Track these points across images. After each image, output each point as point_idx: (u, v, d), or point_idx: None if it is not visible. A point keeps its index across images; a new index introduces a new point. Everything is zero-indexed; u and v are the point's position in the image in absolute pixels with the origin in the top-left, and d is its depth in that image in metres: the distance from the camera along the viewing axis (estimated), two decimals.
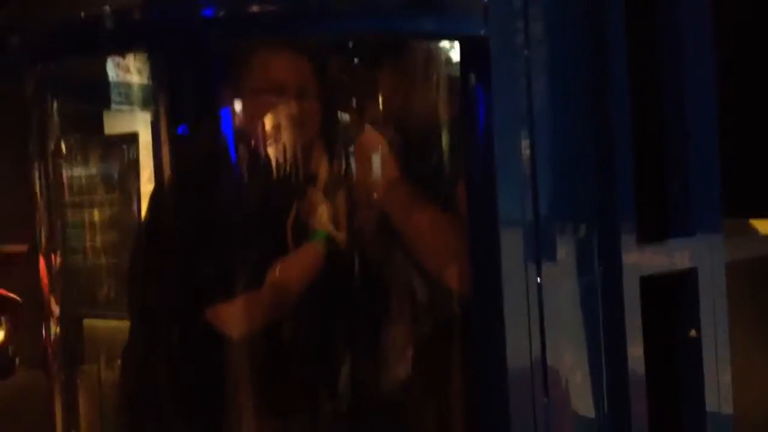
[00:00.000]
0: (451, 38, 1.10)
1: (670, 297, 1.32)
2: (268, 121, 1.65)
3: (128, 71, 1.63)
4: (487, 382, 1.16)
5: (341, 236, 1.52)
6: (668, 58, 1.35)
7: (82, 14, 1.00)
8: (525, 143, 1.13)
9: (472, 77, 1.08)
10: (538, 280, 1.15)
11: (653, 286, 1.25)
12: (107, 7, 0.96)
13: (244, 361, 1.59)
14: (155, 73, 1.50)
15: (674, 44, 1.34)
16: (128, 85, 1.77)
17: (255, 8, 0.98)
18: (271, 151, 1.62)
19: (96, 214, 2.59)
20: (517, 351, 1.13)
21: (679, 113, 1.35)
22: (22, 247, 5.45)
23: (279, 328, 1.56)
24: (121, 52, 1.31)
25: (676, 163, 1.35)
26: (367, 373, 1.53)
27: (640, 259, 1.23)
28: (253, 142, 1.62)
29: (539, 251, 1.15)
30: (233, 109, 1.61)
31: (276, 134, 1.64)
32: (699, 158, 1.35)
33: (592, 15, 1.19)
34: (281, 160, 1.63)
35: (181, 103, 1.60)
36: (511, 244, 1.13)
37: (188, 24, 0.99)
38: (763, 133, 2.08)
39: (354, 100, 1.60)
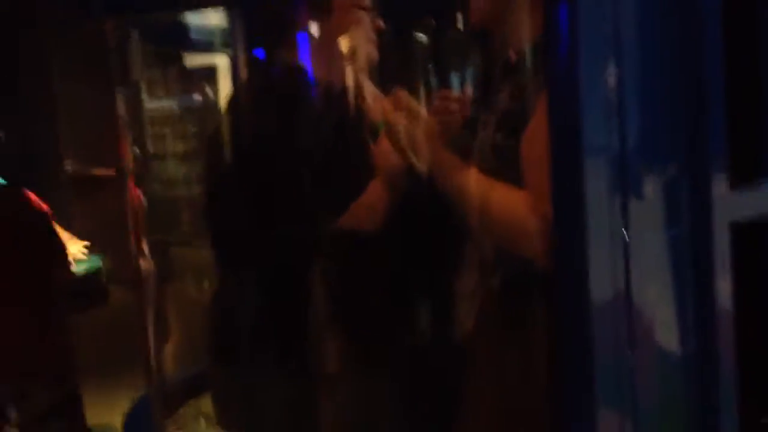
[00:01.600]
0: None
1: (763, 241, 1.28)
2: (344, 42, 1.64)
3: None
4: (570, 317, 1.15)
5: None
6: None
7: None
8: (611, 70, 1.09)
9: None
10: (624, 216, 1.12)
11: (746, 231, 1.21)
12: None
13: (325, 287, 1.62)
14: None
15: None
16: (206, 22, 1.77)
17: None
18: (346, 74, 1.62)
19: (179, 145, 2.64)
20: (601, 285, 1.11)
21: None
22: (109, 171, 5.60)
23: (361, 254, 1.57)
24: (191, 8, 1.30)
25: None
26: (445, 311, 1.55)
27: (732, 202, 1.19)
28: (328, 66, 1.61)
29: (626, 184, 1.12)
30: (309, 32, 1.60)
31: (351, 55, 1.63)
32: None
33: None
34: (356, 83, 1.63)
35: (258, 29, 1.59)
36: (596, 175, 1.10)
37: None
38: None
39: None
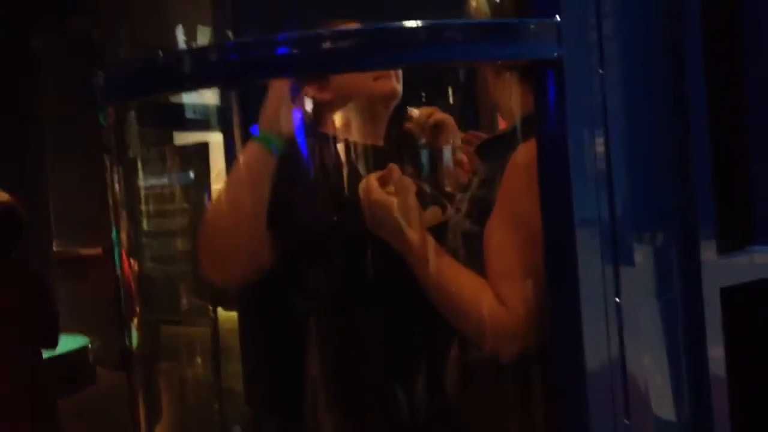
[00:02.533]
0: (525, 62, 1.09)
1: (753, 304, 1.30)
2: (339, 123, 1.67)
3: (201, 95, 1.66)
4: (566, 386, 1.16)
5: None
6: (752, 55, 1.32)
7: (161, 56, 1.03)
8: (600, 147, 1.12)
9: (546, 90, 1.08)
10: (616, 284, 1.13)
11: (735, 294, 1.23)
12: (185, 49, 0.98)
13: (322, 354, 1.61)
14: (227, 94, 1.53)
15: (758, 40, 1.31)
16: (202, 105, 1.81)
17: (329, 44, 0.99)
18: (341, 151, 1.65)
19: (169, 223, 2.66)
20: (596, 354, 1.12)
21: (763, 112, 1.32)
22: (95, 250, 5.60)
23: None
24: (198, 88, 1.33)
25: (759, 166, 1.32)
26: (439, 380, 1.55)
27: (721, 267, 1.22)
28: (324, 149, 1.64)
29: (617, 255, 1.14)
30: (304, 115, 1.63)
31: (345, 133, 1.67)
32: None
33: (667, 26, 1.18)
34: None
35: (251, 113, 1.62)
36: (588, 246, 1.12)
37: (263, 63, 1.01)
38: None
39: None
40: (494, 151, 1.44)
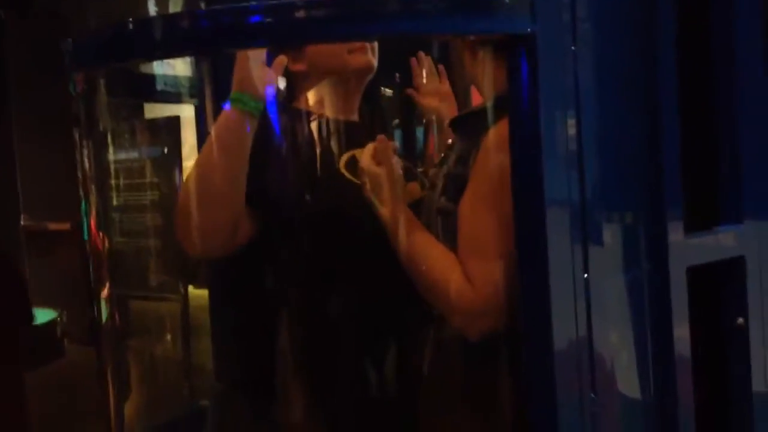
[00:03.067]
0: (498, 36, 1.09)
1: (718, 284, 1.31)
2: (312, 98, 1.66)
3: (173, 67, 1.64)
4: (534, 364, 1.17)
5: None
6: (719, 41, 1.33)
7: (132, 23, 1.02)
8: (572, 127, 1.13)
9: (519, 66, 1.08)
10: (585, 262, 1.14)
11: (701, 273, 1.25)
12: (156, 16, 0.97)
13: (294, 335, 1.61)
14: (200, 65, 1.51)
15: (725, 29, 1.32)
16: (173, 76, 1.79)
17: (302, 13, 0.99)
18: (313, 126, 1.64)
19: (140, 197, 2.64)
20: (564, 333, 1.13)
21: (730, 98, 1.34)
22: (64, 225, 5.55)
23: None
24: (169, 56, 1.32)
25: (726, 150, 1.34)
26: (409, 358, 1.55)
27: (688, 247, 1.23)
28: (296, 122, 1.63)
29: (586, 234, 1.15)
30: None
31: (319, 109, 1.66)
32: (749, 144, 1.34)
33: (639, 7, 1.18)
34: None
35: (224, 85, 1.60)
36: (558, 226, 1.13)
37: (235, 30, 1.00)
38: None
39: None
40: (470, 126, 1.44)
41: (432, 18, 1.01)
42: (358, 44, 1.61)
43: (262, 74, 1.45)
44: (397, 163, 1.46)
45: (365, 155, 1.48)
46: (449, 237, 1.38)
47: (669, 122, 1.24)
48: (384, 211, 1.44)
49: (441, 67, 1.68)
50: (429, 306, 1.43)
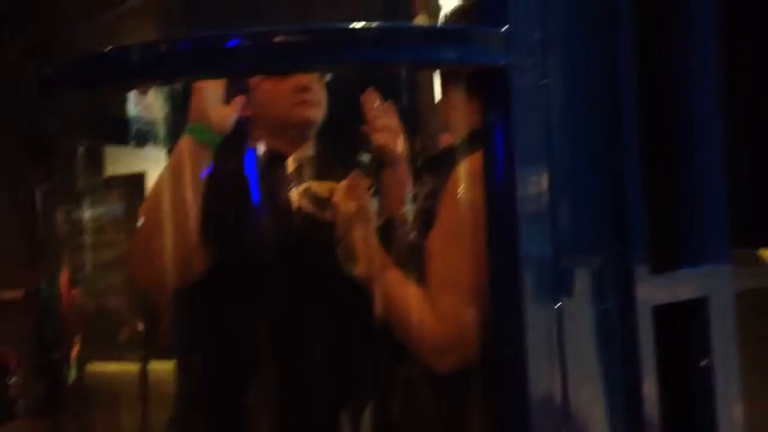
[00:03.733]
0: (472, 68, 1.12)
1: (682, 328, 1.33)
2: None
3: (148, 108, 1.66)
4: (510, 417, 1.16)
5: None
6: (679, 94, 1.38)
7: (108, 47, 1.03)
8: (545, 177, 1.15)
9: (492, 109, 1.10)
10: (558, 313, 1.15)
11: (666, 317, 1.27)
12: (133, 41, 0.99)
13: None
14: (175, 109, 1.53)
15: (684, 80, 1.37)
16: (149, 122, 1.80)
17: (279, 39, 1.01)
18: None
19: (104, 255, 2.61)
20: (539, 385, 1.13)
21: (689, 149, 1.39)
22: (16, 293, 5.42)
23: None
24: (145, 84, 1.33)
25: (687, 196, 1.38)
26: (382, 409, 1.54)
27: (653, 289, 1.25)
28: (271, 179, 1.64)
29: (558, 285, 1.16)
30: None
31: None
32: (707, 191, 1.38)
33: (606, 49, 1.22)
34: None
35: None
36: (532, 280, 1.14)
37: (212, 54, 1.02)
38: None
39: None
40: (440, 165, 1.46)
41: (407, 48, 1.04)
42: (301, 97, 1.63)
43: (218, 108, 1.48)
44: (369, 200, 1.47)
45: (339, 192, 1.49)
46: (420, 273, 1.39)
47: (632, 171, 1.28)
48: (355, 246, 1.44)
49: (389, 104, 1.72)
50: (396, 342, 1.43)
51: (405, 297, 1.38)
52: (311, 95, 1.63)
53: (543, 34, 1.11)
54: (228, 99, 1.52)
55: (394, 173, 1.67)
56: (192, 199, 1.46)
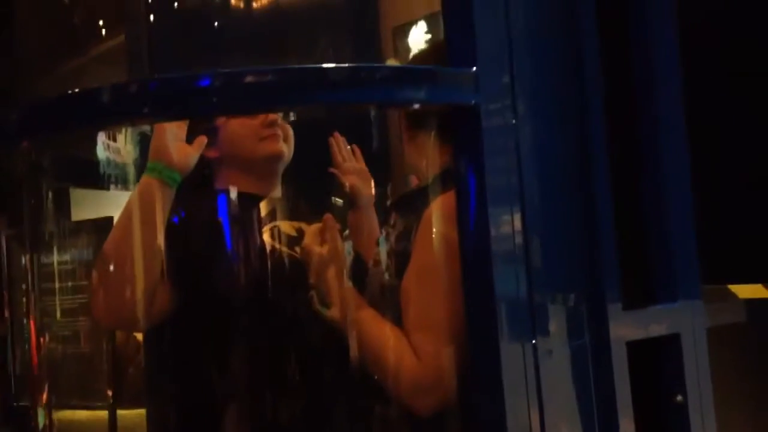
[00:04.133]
0: (442, 107, 1.12)
1: (657, 364, 1.33)
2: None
3: (119, 152, 1.66)
4: None
5: None
6: (646, 137, 1.41)
7: (78, 89, 1.02)
8: (517, 216, 1.15)
9: (463, 149, 1.11)
10: (534, 352, 1.15)
11: (639, 354, 1.27)
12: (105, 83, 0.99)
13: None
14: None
15: (650, 115, 1.40)
16: (118, 165, 1.79)
17: (249, 79, 1.01)
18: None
19: (72, 301, 2.58)
20: (517, 422, 1.13)
21: (658, 187, 1.40)
22: None
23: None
24: (115, 124, 1.32)
25: (656, 234, 1.39)
26: None
27: (626, 326, 1.26)
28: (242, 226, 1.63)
29: (534, 324, 1.16)
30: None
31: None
32: (677, 229, 1.39)
33: (575, 88, 1.24)
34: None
35: None
36: (508, 320, 1.14)
37: (183, 95, 1.01)
38: (735, 203, 2.17)
39: None
40: (410, 205, 1.46)
41: (378, 88, 1.04)
42: (269, 132, 1.64)
43: (179, 147, 1.49)
44: (342, 243, 1.47)
45: (309, 235, 1.49)
46: (395, 313, 1.38)
47: (604, 211, 1.29)
48: (329, 288, 1.44)
49: (355, 147, 1.73)
50: (371, 384, 1.42)
51: (382, 338, 1.37)
52: (278, 130, 1.64)
53: (512, 75, 1.12)
54: (192, 137, 1.52)
55: (363, 215, 1.68)
56: (152, 237, 1.45)
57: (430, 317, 1.32)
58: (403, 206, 1.53)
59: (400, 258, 1.41)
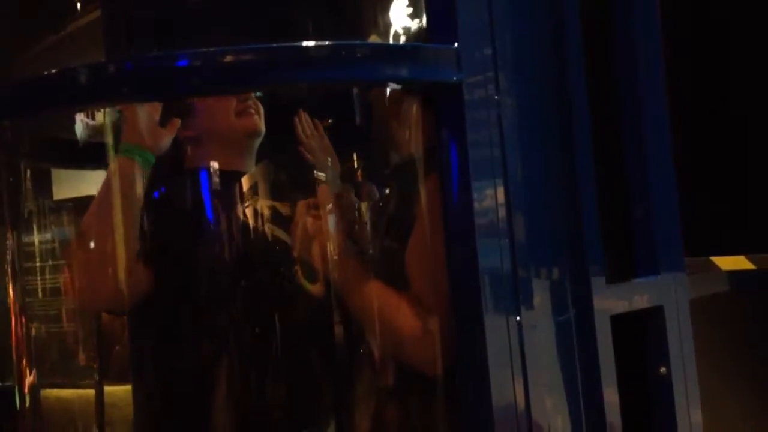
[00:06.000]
0: (426, 84, 1.11)
1: (640, 336, 1.34)
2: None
3: (98, 131, 1.64)
4: (473, 427, 1.16)
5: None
6: (628, 106, 1.40)
7: (57, 71, 1.01)
8: (500, 190, 1.16)
9: (446, 125, 1.11)
10: (518, 326, 1.16)
11: (623, 327, 1.28)
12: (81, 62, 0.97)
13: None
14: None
15: (632, 90, 1.39)
16: (98, 146, 1.78)
17: (230, 58, 0.99)
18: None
19: (51, 280, 2.56)
20: (502, 396, 1.14)
21: (641, 161, 1.41)
22: None
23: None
24: (93, 105, 1.31)
25: (639, 207, 1.40)
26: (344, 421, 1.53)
27: (610, 299, 1.27)
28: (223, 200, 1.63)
29: (518, 298, 1.17)
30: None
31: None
32: (660, 202, 1.40)
33: (556, 62, 1.23)
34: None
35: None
36: (492, 294, 1.15)
37: (162, 75, 1.00)
38: (719, 175, 2.17)
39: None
40: (405, 173, 1.46)
41: (360, 66, 1.03)
42: (244, 106, 1.64)
43: (153, 128, 1.48)
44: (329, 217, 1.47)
45: (301, 209, 1.49)
46: (398, 277, 1.38)
47: (586, 185, 1.29)
48: (319, 262, 1.44)
49: (317, 123, 1.73)
50: (358, 358, 1.42)
51: (387, 300, 1.38)
52: (253, 104, 1.64)
53: (494, 50, 1.11)
54: (167, 116, 1.51)
55: (330, 189, 1.68)
56: (128, 217, 1.45)
57: (434, 280, 1.31)
58: (399, 174, 1.53)
59: (396, 224, 1.41)
